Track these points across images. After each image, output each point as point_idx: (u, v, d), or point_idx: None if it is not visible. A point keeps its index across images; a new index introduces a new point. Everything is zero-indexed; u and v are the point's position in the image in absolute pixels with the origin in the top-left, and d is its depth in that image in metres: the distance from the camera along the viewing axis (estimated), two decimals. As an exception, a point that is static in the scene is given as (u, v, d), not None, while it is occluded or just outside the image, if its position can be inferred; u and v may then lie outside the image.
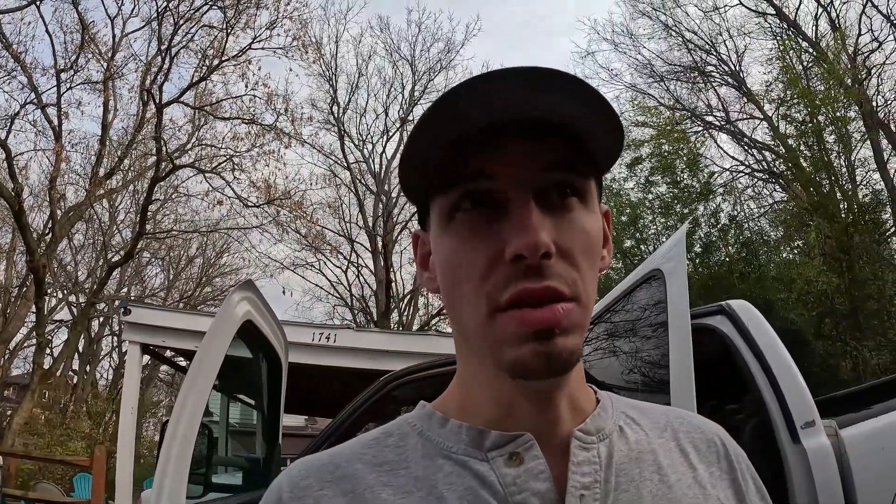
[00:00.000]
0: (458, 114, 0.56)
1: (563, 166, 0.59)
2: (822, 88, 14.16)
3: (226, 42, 13.30)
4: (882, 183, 14.56)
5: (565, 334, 0.57)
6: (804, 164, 13.88)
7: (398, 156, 0.61)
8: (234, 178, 13.75)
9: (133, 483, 9.01)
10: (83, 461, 10.14)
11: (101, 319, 24.13)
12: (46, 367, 15.04)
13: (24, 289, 17.65)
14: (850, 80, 14.27)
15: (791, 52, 15.68)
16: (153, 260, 25.74)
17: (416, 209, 0.69)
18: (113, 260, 18.41)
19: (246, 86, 13.83)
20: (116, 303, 22.79)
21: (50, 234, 15.17)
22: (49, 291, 17.61)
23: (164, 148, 12.77)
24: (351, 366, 7.51)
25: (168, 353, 9.83)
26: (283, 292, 20.52)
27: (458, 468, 0.60)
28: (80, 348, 23.03)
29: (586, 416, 0.63)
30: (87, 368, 24.66)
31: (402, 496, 0.58)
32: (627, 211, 14.12)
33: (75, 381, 23.15)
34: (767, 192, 16.71)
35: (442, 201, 0.61)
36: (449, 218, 0.61)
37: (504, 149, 0.58)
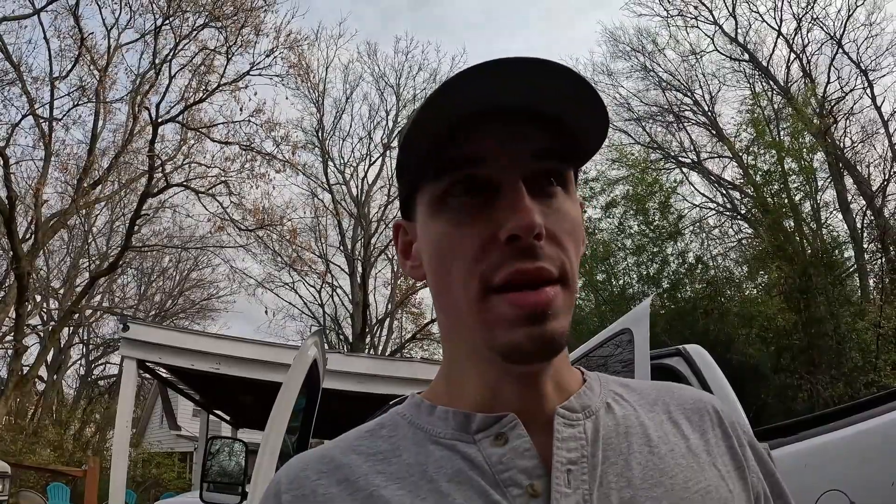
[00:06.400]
0: (453, 100, 0.58)
1: (551, 155, 0.61)
2: (790, 137, 14.92)
3: (226, 66, 13.64)
4: (844, 223, 15.43)
5: (556, 317, 0.58)
6: (769, 207, 14.56)
7: (398, 142, 0.63)
8: (231, 202, 14.04)
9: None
10: (76, 472, 10.33)
11: (72, 328, 23.98)
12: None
13: (3, 294, 17.59)
14: (817, 121, 15.00)
15: (762, 95, 16.51)
16: (128, 270, 25.64)
17: (399, 202, 0.71)
18: (94, 271, 18.43)
19: (241, 110, 14.14)
20: (88, 312, 22.75)
21: (32, 240, 15.22)
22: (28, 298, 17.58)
23: (159, 164, 13.00)
24: (340, 388, 7.75)
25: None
26: (266, 312, 20.93)
27: (448, 452, 0.61)
28: (48, 357, 22.82)
29: (571, 394, 0.64)
30: (55, 377, 24.41)
31: (395, 482, 0.60)
32: (601, 249, 14.74)
33: (42, 388, 22.88)
34: (734, 232, 17.46)
35: (432, 188, 0.62)
36: (440, 203, 0.62)
37: (495, 136, 0.60)
